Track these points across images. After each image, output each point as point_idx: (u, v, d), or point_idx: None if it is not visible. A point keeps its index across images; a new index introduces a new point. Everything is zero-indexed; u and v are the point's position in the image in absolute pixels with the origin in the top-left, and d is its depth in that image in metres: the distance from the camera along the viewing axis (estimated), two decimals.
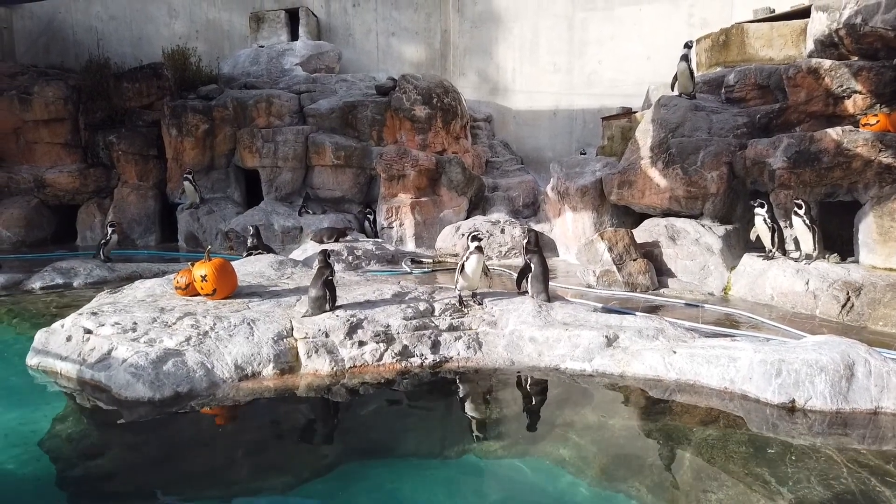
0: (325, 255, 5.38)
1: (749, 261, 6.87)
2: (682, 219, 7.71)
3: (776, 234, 6.68)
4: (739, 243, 7.44)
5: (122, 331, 4.75)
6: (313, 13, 14.27)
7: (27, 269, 8.47)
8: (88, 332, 4.84)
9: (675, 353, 4.54)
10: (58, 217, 12.01)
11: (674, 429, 3.84)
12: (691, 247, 7.28)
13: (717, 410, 4.02)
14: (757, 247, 7.03)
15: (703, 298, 6.67)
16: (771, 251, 6.73)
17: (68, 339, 4.84)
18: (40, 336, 5.00)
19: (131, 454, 3.78)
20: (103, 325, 4.85)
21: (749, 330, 5.51)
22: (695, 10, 11.57)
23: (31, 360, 4.89)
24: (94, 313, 5.10)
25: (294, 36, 14.01)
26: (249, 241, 8.32)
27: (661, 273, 7.35)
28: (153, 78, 12.28)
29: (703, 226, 7.48)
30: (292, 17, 14.05)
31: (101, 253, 8.98)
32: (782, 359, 4.12)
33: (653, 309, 6.27)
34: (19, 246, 11.11)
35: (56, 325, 5.07)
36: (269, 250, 8.27)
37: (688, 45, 8.48)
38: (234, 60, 13.57)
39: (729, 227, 7.52)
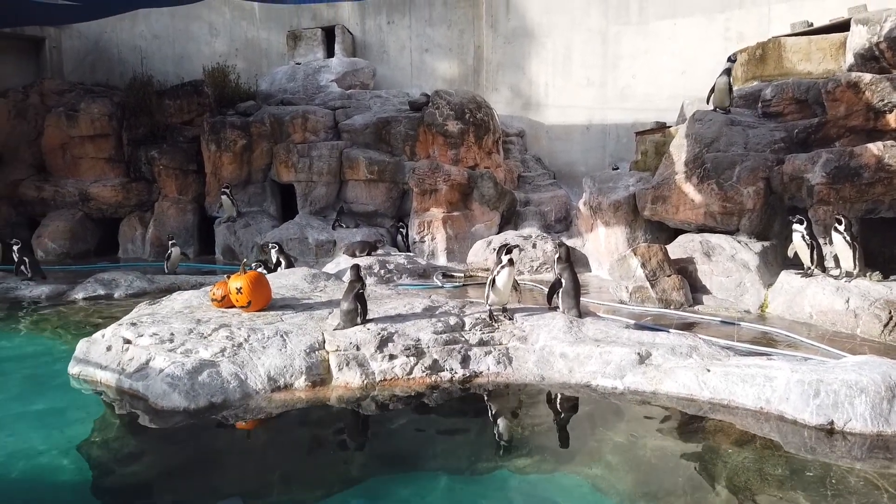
0: (357, 268, 5.45)
1: (787, 278, 6.72)
2: (718, 235, 7.59)
3: (815, 251, 6.52)
4: (777, 260, 7.29)
5: (160, 341, 4.87)
6: (349, 31, 14.52)
7: (71, 279, 8.74)
8: (128, 342, 4.97)
9: (709, 371, 4.46)
10: (101, 229, 12.37)
11: (708, 449, 3.77)
12: (727, 263, 7.16)
13: (752, 431, 3.93)
14: (795, 263, 6.87)
15: (739, 316, 6.55)
16: (809, 268, 6.58)
17: (108, 348, 4.97)
18: (82, 345, 5.15)
19: (166, 462, 3.86)
20: (142, 336, 4.98)
21: (786, 349, 5.38)
22: (731, 24, 11.45)
23: (73, 368, 5.04)
24: (134, 324, 5.24)
25: (330, 53, 14.28)
26: (274, 256, 8.46)
27: (695, 290, 7.24)
28: (194, 95, 12.63)
29: (739, 242, 7.35)
30: (328, 34, 14.34)
31: (166, 268, 9.25)
32: (821, 379, 4.01)
33: (687, 326, 6.18)
34: (64, 257, 11.46)
35: (97, 335, 5.22)
36: (274, 268, 8.32)
37: (731, 60, 8.38)
38: (271, 77, 13.89)
39: (766, 243, 7.38)
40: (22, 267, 8.74)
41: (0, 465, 3.62)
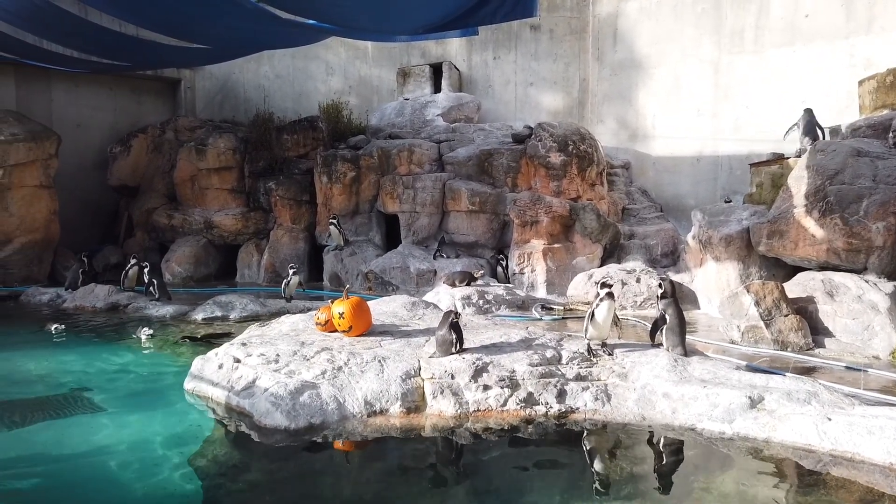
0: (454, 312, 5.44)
1: None
2: (842, 273, 7.02)
3: None
4: None
5: (266, 361, 5.11)
6: (455, 67, 14.91)
7: (193, 301, 9.39)
8: (237, 361, 5.25)
9: (830, 420, 4.10)
10: (221, 255, 13.23)
11: None
12: (852, 304, 6.59)
13: (880, 489, 3.56)
14: None
15: (867, 362, 6.00)
16: None
17: (220, 366, 5.27)
18: (197, 363, 5.50)
19: (267, 478, 4.01)
20: (250, 356, 5.25)
21: None
22: (856, 51, 10.73)
23: (188, 384, 5.38)
24: (244, 344, 5.54)
25: (437, 88, 14.71)
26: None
27: (816, 332, 6.71)
28: (309, 130, 13.36)
29: (866, 281, 6.77)
30: (436, 71, 14.81)
31: (283, 293, 9.64)
32: None
33: (806, 370, 5.73)
34: (188, 280, 12.33)
35: (211, 353, 5.56)
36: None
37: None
38: (381, 112, 14.47)
39: None
40: (150, 288, 9.49)
41: (117, 473, 3.91)
